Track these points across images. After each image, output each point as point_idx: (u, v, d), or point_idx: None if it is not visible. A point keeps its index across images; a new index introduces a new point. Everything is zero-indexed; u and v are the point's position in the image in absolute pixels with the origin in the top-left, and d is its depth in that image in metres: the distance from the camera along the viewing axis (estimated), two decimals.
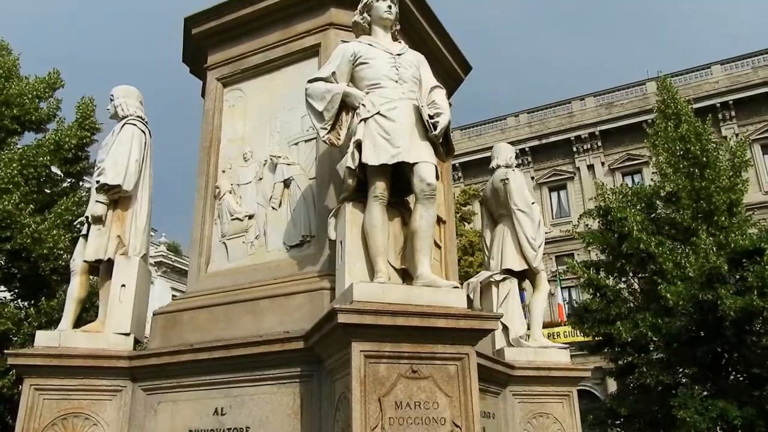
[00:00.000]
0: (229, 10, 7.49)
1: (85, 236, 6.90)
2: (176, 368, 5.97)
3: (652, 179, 20.71)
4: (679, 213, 17.15)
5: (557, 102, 43.54)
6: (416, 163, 5.23)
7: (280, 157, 6.75)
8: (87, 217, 6.74)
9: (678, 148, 17.97)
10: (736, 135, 33.14)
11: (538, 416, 7.35)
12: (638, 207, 18.08)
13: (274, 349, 5.49)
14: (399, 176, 5.45)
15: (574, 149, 40.53)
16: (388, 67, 5.65)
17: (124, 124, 6.99)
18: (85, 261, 6.59)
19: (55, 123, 18.79)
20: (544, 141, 41.67)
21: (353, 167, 5.30)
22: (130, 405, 6.14)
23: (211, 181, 7.16)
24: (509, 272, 8.06)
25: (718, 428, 15.17)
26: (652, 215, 18.01)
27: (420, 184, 5.20)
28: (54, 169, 18.16)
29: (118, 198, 6.78)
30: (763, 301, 14.04)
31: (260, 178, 6.89)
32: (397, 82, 5.58)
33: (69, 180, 18.81)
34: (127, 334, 6.40)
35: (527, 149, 41.39)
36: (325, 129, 5.58)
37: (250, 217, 6.77)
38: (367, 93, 5.54)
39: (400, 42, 5.93)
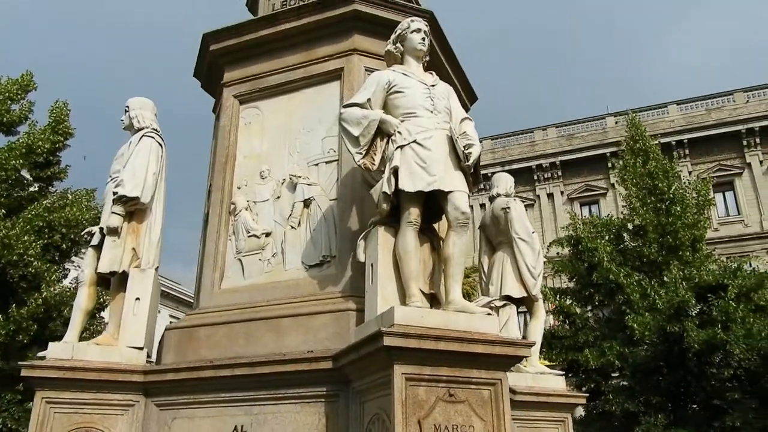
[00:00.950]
0: (250, 29, 7.59)
1: (96, 247, 6.83)
2: (195, 384, 5.95)
3: (622, 212, 21.45)
4: (647, 246, 17.82)
5: (520, 131, 44.62)
6: (451, 191, 5.41)
7: (300, 176, 6.84)
8: (101, 228, 6.67)
9: (646, 183, 18.72)
10: (690, 173, 34.59)
11: None
12: (607, 238, 18.71)
13: (301, 368, 5.54)
14: (429, 203, 5.62)
15: (535, 177, 41.49)
16: (423, 97, 5.84)
17: (142, 136, 6.98)
18: (98, 272, 6.51)
19: (27, 126, 18.32)
20: (506, 168, 42.52)
21: (389, 192, 5.44)
22: (142, 420, 6.07)
23: (226, 197, 7.18)
24: (508, 299, 8.27)
25: None
26: (620, 247, 18.65)
27: (454, 212, 5.38)
28: (23, 173, 17.68)
29: (133, 210, 6.74)
30: (726, 335, 14.68)
31: (278, 197, 6.95)
32: (432, 112, 5.77)
33: (38, 184, 18.32)
34: (141, 348, 6.35)
35: (489, 174, 42.09)
36: (360, 154, 5.71)
37: (267, 234, 6.82)
38: (402, 121, 5.70)
39: (432, 74, 6.13)
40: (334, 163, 6.83)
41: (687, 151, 38.61)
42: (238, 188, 7.23)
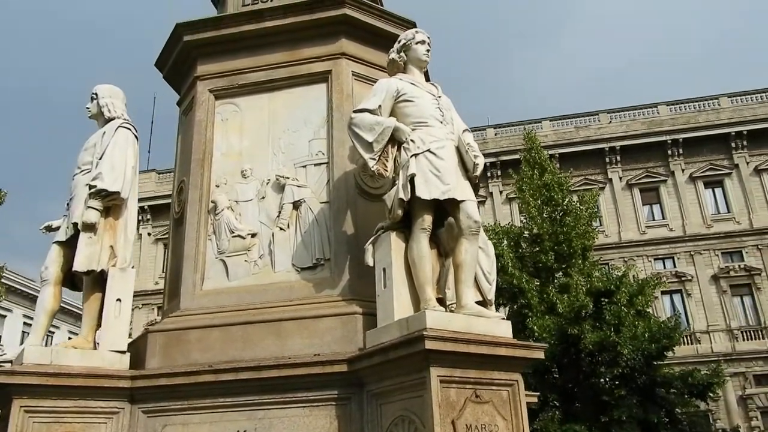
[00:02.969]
0: (231, 23, 7.39)
1: (62, 243, 6.37)
2: (191, 389, 5.73)
3: (521, 220, 22.75)
4: (543, 254, 19.09)
5: None
6: (463, 200, 5.64)
7: (288, 178, 6.76)
8: (75, 224, 6.21)
9: (542, 194, 20.05)
10: (620, 179, 37.57)
11: None
12: (509, 244, 19.81)
13: (313, 371, 5.53)
14: (437, 211, 5.81)
15: None
16: (433, 107, 6.02)
17: (118, 127, 6.58)
18: (75, 271, 6.06)
19: None
20: None
21: (406, 199, 5.57)
22: (127, 429, 5.75)
23: (205, 195, 6.94)
24: None
25: None
26: (519, 252, 19.83)
27: (467, 221, 5.61)
28: None
29: (110, 205, 6.35)
30: (618, 337, 16.11)
31: (263, 197, 6.83)
32: (441, 122, 5.97)
33: None
34: (123, 352, 6.00)
35: None
36: (374, 159, 5.79)
37: (253, 235, 6.68)
38: (413, 129, 5.85)
39: (435, 85, 6.32)
40: (324, 166, 6.82)
41: (558, 165, 41.52)
42: (217, 186, 7.01)
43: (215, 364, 5.79)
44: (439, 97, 6.17)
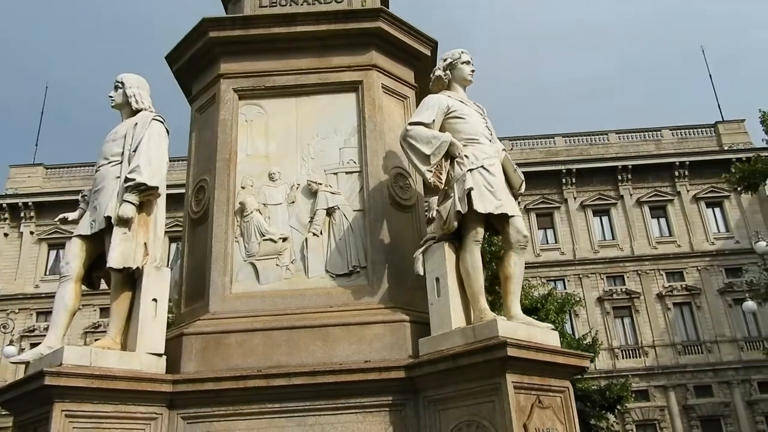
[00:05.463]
0: (261, 24, 7.32)
1: (86, 237, 6.04)
2: (238, 394, 5.60)
3: None
4: None
5: None
6: (513, 216, 5.95)
7: (321, 184, 6.77)
8: (108, 218, 5.88)
9: None
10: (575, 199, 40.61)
11: None
12: None
13: (370, 377, 5.59)
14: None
15: None
16: (482, 126, 6.31)
17: (152, 119, 6.33)
18: (110, 267, 5.73)
19: None
20: None
21: (463, 212, 5.79)
22: None
23: (231, 195, 6.78)
24: None
25: None
26: None
27: (517, 235, 5.92)
28: None
29: (144, 201, 6.07)
30: None
31: (292, 201, 6.79)
32: (490, 141, 6.27)
33: None
34: (161, 355, 5.75)
35: None
36: (431, 171, 5.97)
37: (284, 239, 6.62)
38: (465, 145, 6.10)
39: (480, 106, 6.59)
40: (355, 174, 6.90)
41: (574, 179, 43.02)
42: (242, 188, 6.88)
43: (262, 369, 5.69)
44: (485, 116, 6.47)
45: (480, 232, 5.91)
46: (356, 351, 5.87)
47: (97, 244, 6.07)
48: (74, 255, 6.01)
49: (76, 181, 40.93)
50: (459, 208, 5.81)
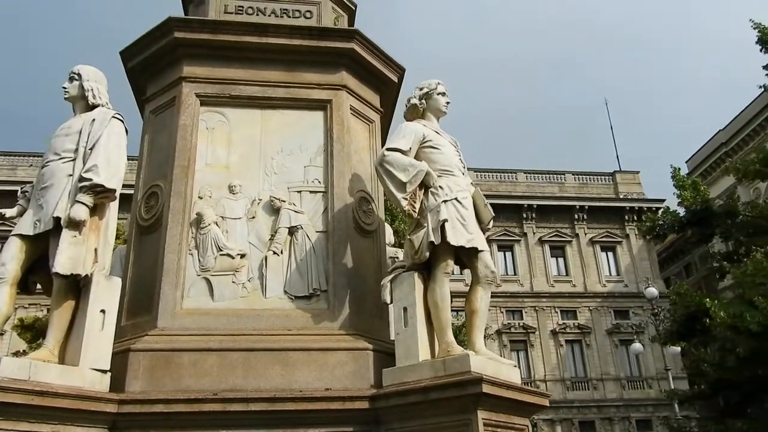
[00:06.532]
0: (229, 30, 7.06)
1: (27, 238, 5.52)
2: (188, 419, 5.23)
3: None
4: None
5: None
6: (482, 251, 5.98)
7: (284, 201, 6.55)
8: (57, 218, 5.39)
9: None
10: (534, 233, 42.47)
11: None
12: None
13: (333, 407, 5.39)
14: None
15: None
16: (456, 158, 6.34)
17: (112, 117, 5.90)
18: (56, 273, 5.23)
19: None
20: None
21: (436, 243, 5.76)
22: None
23: (188, 205, 6.42)
24: None
25: None
26: None
27: (485, 270, 5.95)
28: None
29: (98, 204, 5.63)
30: None
31: (252, 216, 6.52)
32: (463, 173, 6.30)
33: None
34: (105, 371, 5.29)
35: None
36: (406, 199, 5.91)
37: (242, 255, 6.33)
38: (438, 176, 6.09)
39: (452, 138, 6.62)
40: (320, 195, 6.73)
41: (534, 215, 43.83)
42: (200, 198, 6.53)
43: (218, 392, 5.36)
44: (459, 149, 6.50)
45: (450, 264, 5.90)
46: (317, 378, 5.66)
47: (39, 245, 5.54)
48: (12, 256, 5.45)
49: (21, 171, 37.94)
50: (432, 238, 5.77)
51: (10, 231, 5.73)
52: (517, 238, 43.87)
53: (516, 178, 46.65)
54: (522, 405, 5.48)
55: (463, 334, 17.47)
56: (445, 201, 5.92)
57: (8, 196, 35.58)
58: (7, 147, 43.28)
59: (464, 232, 5.88)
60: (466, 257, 6.03)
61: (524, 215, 44.11)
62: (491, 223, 6.29)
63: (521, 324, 41.47)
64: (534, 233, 44.20)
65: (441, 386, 5.11)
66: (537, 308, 42.08)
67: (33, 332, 19.89)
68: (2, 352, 27.19)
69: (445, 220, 5.80)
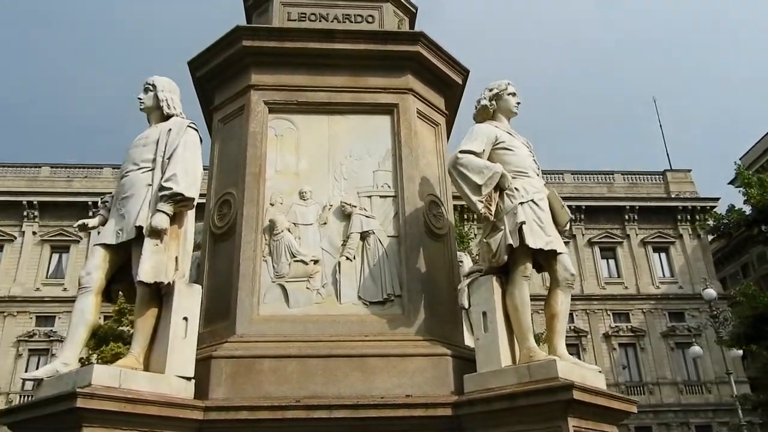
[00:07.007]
0: (296, 37, 7.11)
1: (109, 246, 5.60)
2: (272, 426, 5.22)
3: None
4: None
5: None
6: (561, 253, 5.84)
7: (355, 206, 6.52)
8: (139, 227, 5.47)
9: None
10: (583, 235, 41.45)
11: None
12: None
13: (415, 413, 5.32)
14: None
15: None
16: (530, 159, 6.22)
17: (187, 127, 5.98)
18: (140, 281, 5.30)
19: None
20: None
21: (515, 246, 5.64)
22: None
23: (261, 212, 6.44)
24: None
25: None
26: None
27: (564, 273, 5.80)
28: None
29: (177, 212, 5.69)
30: None
31: (324, 222, 6.51)
32: (537, 174, 6.17)
33: None
34: (190, 379, 5.33)
35: None
36: (482, 202, 5.81)
37: (316, 261, 6.32)
38: (513, 178, 5.97)
39: (526, 139, 6.49)
40: (390, 199, 6.68)
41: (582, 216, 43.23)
42: (271, 204, 6.56)
43: (300, 399, 5.34)
44: (533, 150, 6.37)
45: (529, 267, 5.77)
46: (397, 384, 5.59)
47: (121, 254, 5.64)
48: (96, 265, 5.55)
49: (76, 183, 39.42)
50: (510, 241, 5.65)
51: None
52: (566, 240, 43.03)
53: (563, 179, 45.84)
54: (610, 411, 5.30)
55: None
56: (521, 203, 5.80)
57: (66, 208, 36.91)
58: (60, 159, 44.57)
59: (542, 235, 5.75)
60: (544, 260, 5.89)
61: (573, 217, 43.21)
62: (569, 225, 6.15)
63: (572, 327, 40.47)
64: (583, 235, 43.34)
65: (528, 393, 4.99)
66: (588, 311, 41.20)
67: (96, 339, 20.37)
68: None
69: (523, 223, 5.68)
